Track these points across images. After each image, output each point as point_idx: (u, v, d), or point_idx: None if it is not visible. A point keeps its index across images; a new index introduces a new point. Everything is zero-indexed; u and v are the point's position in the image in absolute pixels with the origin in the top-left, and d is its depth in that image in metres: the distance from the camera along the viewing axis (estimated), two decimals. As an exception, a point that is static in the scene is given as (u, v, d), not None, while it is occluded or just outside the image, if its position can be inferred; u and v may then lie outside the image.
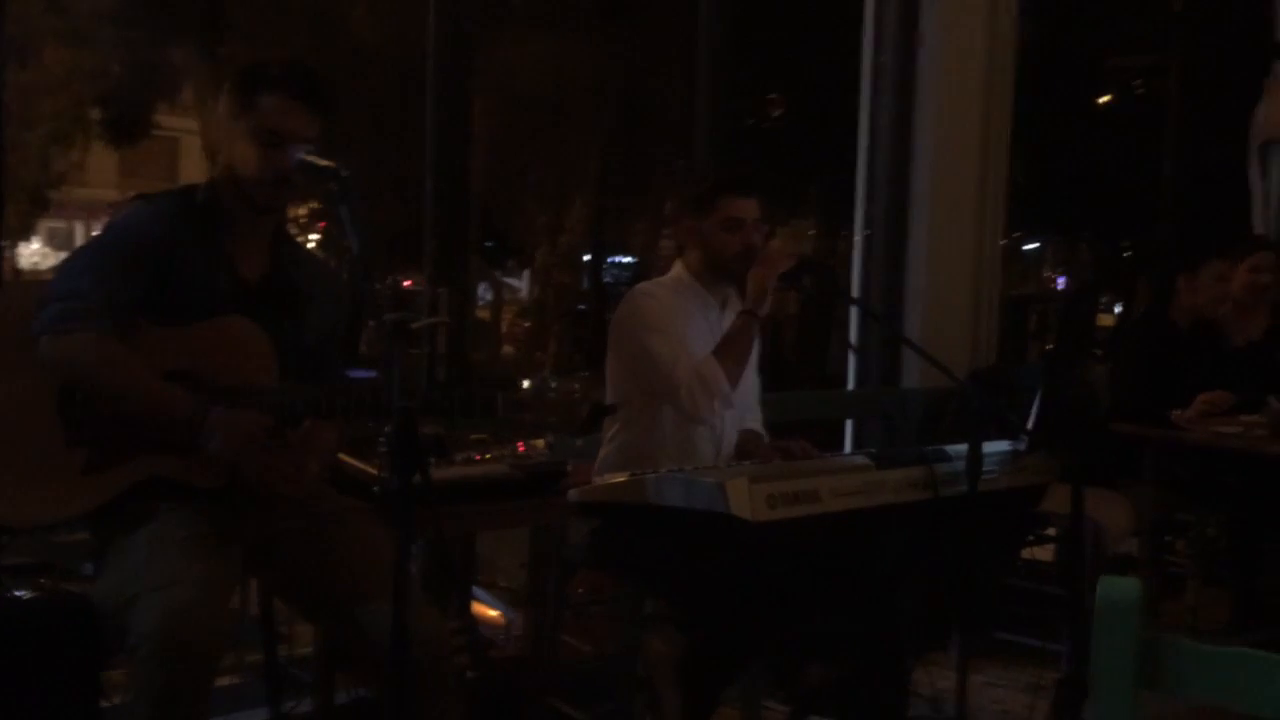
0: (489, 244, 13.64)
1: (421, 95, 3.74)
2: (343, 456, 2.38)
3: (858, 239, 4.60)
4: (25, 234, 14.99)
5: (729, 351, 2.64)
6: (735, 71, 4.46)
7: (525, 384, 2.03)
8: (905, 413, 4.22)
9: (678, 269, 2.81)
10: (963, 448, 2.11)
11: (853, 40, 4.57)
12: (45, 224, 16.27)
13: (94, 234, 2.18)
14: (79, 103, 12.15)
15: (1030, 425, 2.30)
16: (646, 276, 2.79)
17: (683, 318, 2.73)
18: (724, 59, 4.22)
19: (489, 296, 17.64)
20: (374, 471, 2.42)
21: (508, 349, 16.17)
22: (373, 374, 2.99)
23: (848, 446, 4.43)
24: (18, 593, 2.64)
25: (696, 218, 2.72)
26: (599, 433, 2.73)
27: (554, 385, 2.01)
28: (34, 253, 16.24)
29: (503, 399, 2.00)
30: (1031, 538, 3.63)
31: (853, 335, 4.48)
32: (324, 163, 1.96)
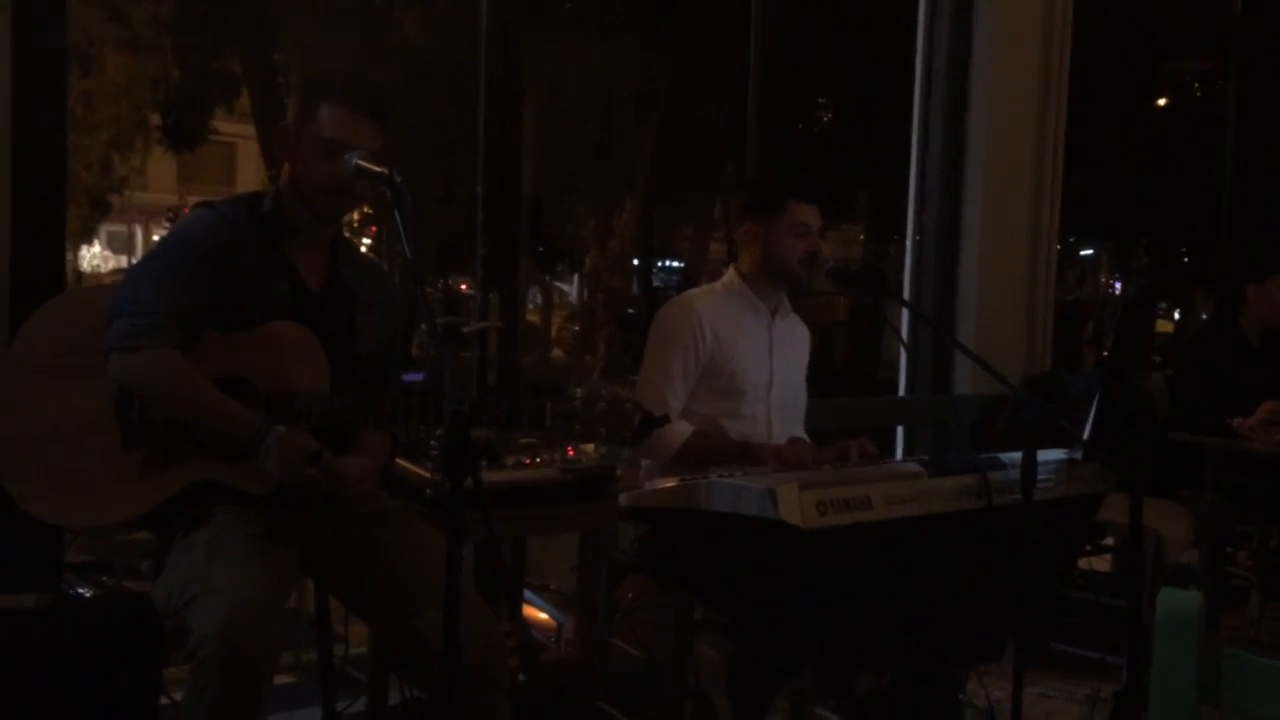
0: (540, 248, 13.70)
1: (473, 101, 3.77)
2: (397, 460, 2.40)
3: (909, 243, 4.57)
4: (86, 237, 15.30)
5: (704, 451, 2.62)
6: (784, 76, 4.45)
7: (578, 392, 2.03)
8: (958, 419, 4.18)
9: (730, 275, 2.82)
10: (1017, 455, 2.09)
11: (905, 43, 4.54)
12: (105, 227, 16.60)
13: (158, 240, 2.22)
14: (139, 108, 12.39)
15: (1086, 433, 2.26)
16: (695, 281, 2.81)
17: (733, 325, 2.73)
18: (775, 63, 4.22)
19: (539, 300, 17.72)
20: (426, 475, 2.44)
21: (557, 353, 16.21)
22: (419, 376, 3.02)
23: (899, 453, 4.40)
24: (80, 590, 2.70)
25: (761, 221, 2.73)
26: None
27: (604, 393, 2.01)
28: (94, 255, 16.58)
29: (552, 409, 2.01)
30: (1088, 548, 3.58)
31: (904, 339, 4.44)
32: (378, 169, 1.98)
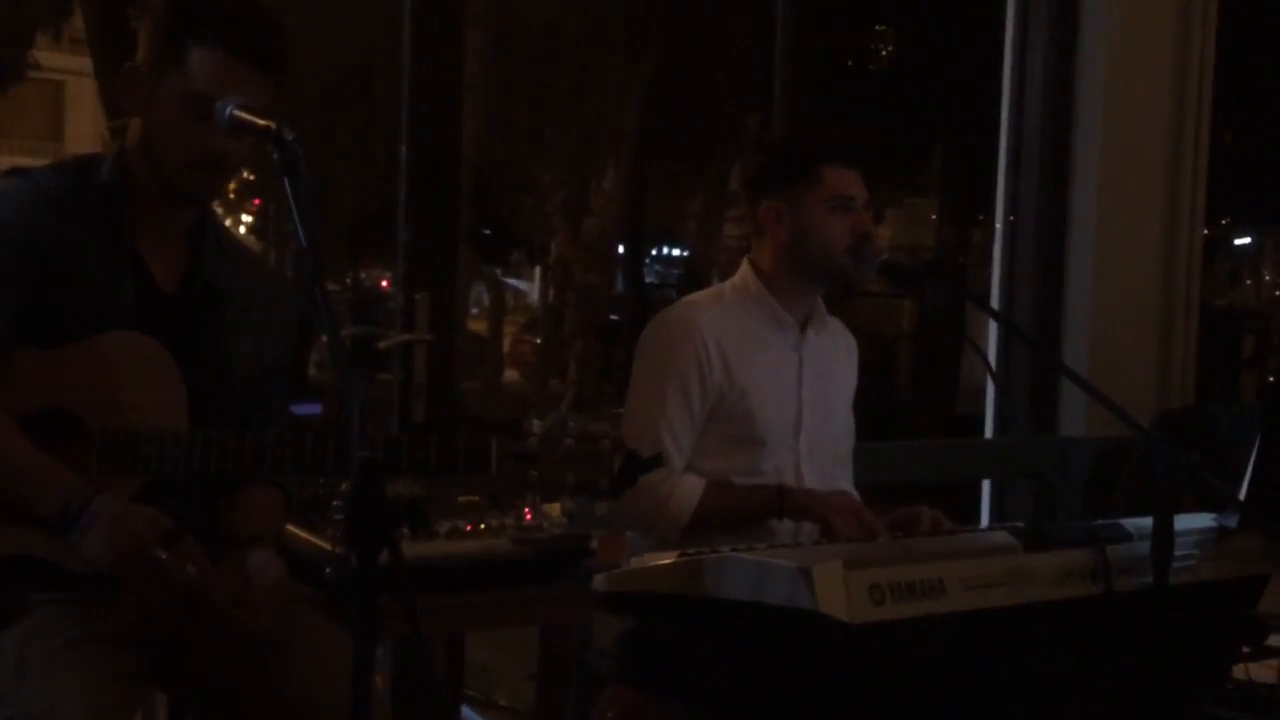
0: (486, 231, 13.73)
1: (395, 25, 3.79)
2: (287, 527, 2.40)
3: (999, 227, 4.59)
4: None
5: (729, 506, 2.65)
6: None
7: (535, 425, 2.04)
8: (1066, 472, 4.19)
9: (743, 273, 2.82)
10: (1147, 523, 2.10)
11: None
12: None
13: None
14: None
15: (1243, 491, 2.27)
16: (703, 276, 2.82)
17: (748, 345, 2.73)
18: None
19: (485, 302, 17.76)
20: (326, 547, 2.44)
21: (511, 375, 16.25)
22: (316, 408, 3.01)
23: (985, 519, 4.41)
24: None
25: (785, 196, 2.74)
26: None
27: (573, 427, 2.02)
28: None
29: (500, 448, 2.01)
30: (1245, 650, 3.59)
31: (992, 362, 4.46)
32: (261, 122, 1.99)
